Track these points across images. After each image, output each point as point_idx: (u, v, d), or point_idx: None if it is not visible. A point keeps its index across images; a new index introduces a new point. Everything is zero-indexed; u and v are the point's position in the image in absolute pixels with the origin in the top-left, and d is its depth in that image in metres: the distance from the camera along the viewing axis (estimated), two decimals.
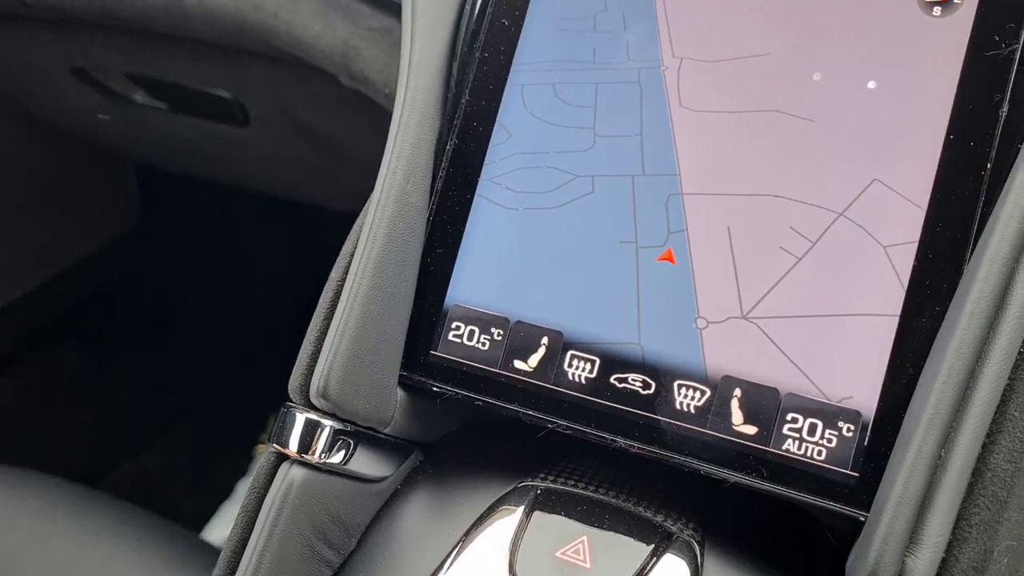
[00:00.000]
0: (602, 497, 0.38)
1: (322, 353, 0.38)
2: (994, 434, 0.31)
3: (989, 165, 0.35)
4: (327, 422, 0.38)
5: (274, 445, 0.38)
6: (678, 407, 0.37)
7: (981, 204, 0.35)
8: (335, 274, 0.40)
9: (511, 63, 0.41)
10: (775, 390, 0.36)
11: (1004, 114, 0.35)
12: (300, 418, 0.38)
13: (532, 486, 0.39)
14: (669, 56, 0.39)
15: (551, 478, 0.39)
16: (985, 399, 0.31)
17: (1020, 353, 0.32)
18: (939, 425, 0.31)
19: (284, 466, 0.38)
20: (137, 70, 0.75)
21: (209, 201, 1.04)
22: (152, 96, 0.78)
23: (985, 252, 0.33)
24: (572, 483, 0.39)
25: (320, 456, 0.37)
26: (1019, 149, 0.34)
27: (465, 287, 0.40)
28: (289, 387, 0.39)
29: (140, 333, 1.05)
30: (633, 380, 0.38)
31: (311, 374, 0.38)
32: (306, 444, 0.38)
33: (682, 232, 0.38)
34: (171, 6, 0.62)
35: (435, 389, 0.40)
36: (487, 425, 0.41)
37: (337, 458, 0.38)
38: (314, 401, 0.38)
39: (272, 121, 0.75)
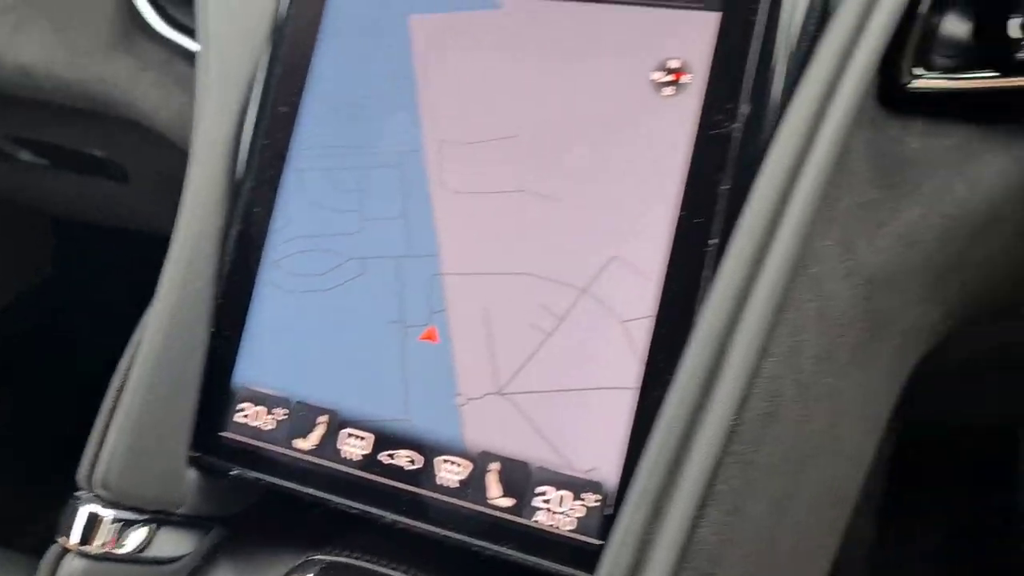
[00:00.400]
0: (382, 569, 0.40)
1: (104, 443, 0.39)
2: (703, 507, 0.33)
3: (713, 241, 0.36)
4: (108, 512, 0.39)
5: (58, 538, 0.39)
6: (440, 482, 0.38)
7: (706, 279, 0.36)
8: (123, 363, 0.41)
9: (289, 149, 0.43)
10: (526, 464, 0.37)
11: (726, 191, 0.36)
12: (82, 509, 0.39)
13: (318, 560, 0.40)
14: (429, 139, 0.41)
15: (336, 551, 0.41)
16: (694, 477, 0.33)
17: (731, 427, 0.33)
18: (648, 501, 0.33)
19: (67, 558, 0.39)
20: (17, 132, 0.76)
21: (122, 245, 1.05)
22: (35, 155, 0.80)
23: (699, 328, 0.34)
24: (355, 556, 0.40)
25: (103, 546, 0.39)
26: (735, 226, 0.35)
27: (251, 369, 0.42)
28: (77, 477, 0.40)
29: (55, 383, 1.06)
30: (401, 456, 0.39)
31: (96, 463, 0.39)
32: (89, 535, 0.39)
33: (443, 311, 0.39)
34: (26, 79, 0.63)
35: (225, 469, 0.41)
36: (285, 497, 0.42)
37: (126, 545, 0.40)
38: (96, 491, 0.39)
39: (150, 178, 0.76)
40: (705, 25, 0.37)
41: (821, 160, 0.35)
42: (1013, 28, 0.40)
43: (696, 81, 0.37)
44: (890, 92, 0.42)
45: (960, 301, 0.46)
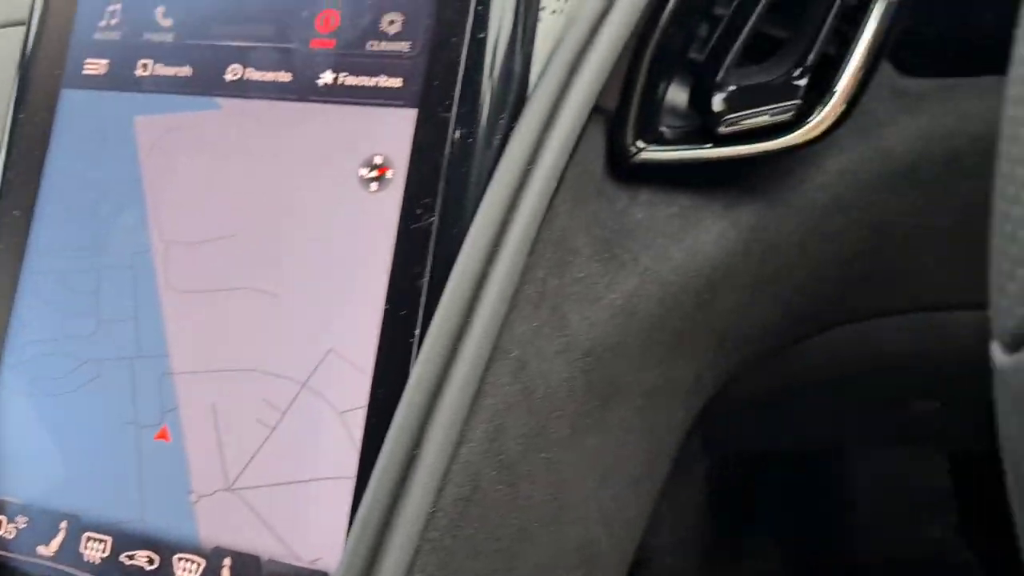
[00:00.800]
0: None
1: None
2: None
3: (417, 332, 0.37)
4: None
5: None
6: None
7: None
8: None
9: (25, 252, 0.43)
10: (257, 557, 0.38)
11: (425, 284, 0.37)
12: None
13: None
14: (157, 240, 0.41)
15: None
16: (391, 567, 0.34)
17: (429, 514, 0.35)
18: None
19: None
20: None
21: None
22: None
23: (396, 420, 0.36)
24: None
25: None
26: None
27: None
28: None
29: None
30: (140, 557, 0.40)
31: None
32: None
33: (175, 410, 0.40)
34: None
35: None
36: None
37: None
38: None
39: None
40: (404, 121, 0.39)
41: (514, 248, 0.37)
42: (717, 103, 0.43)
43: (398, 176, 0.39)
44: (617, 164, 0.44)
45: (716, 356, 0.48)
